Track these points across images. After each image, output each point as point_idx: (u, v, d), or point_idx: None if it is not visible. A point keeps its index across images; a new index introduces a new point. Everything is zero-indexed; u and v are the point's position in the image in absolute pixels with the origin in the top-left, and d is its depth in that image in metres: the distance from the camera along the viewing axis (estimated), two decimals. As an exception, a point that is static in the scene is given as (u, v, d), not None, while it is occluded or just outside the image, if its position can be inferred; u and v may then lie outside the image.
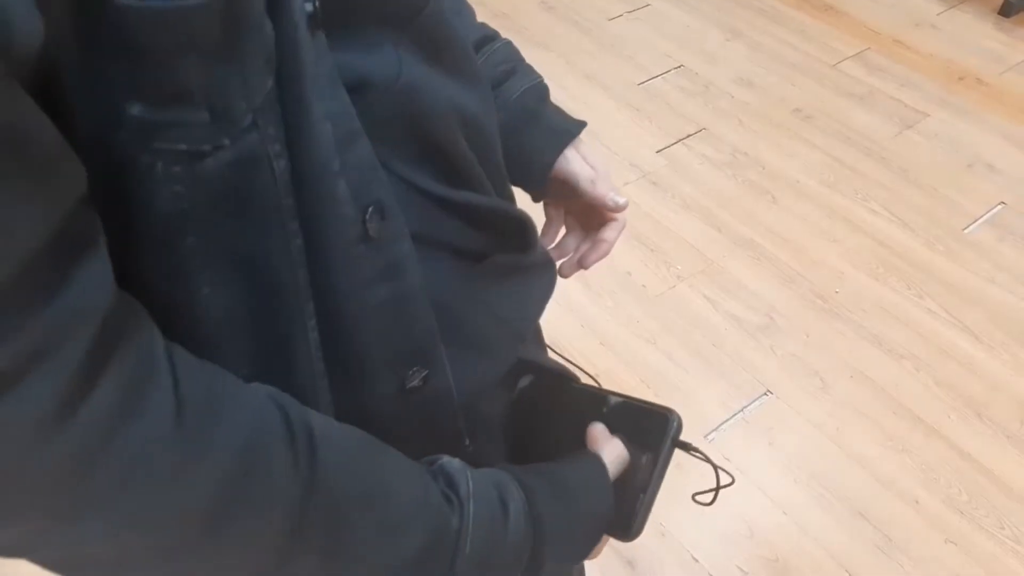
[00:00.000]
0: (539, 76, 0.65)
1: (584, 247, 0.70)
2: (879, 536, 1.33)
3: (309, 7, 0.37)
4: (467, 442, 0.51)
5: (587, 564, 0.66)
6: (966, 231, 1.81)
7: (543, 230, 0.72)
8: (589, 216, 0.69)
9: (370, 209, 0.41)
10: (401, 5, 0.45)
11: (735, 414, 1.49)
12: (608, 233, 0.68)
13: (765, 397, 1.51)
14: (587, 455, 0.53)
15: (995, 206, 1.87)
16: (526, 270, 0.55)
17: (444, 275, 0.47)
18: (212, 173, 0.34)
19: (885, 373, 1.55)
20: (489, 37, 0.64)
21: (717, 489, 0.54)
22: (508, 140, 0.56)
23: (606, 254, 0.68)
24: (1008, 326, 1.63)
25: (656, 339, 1.59)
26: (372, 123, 0.41)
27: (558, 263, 0.66)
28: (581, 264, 0.69)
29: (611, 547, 1.31)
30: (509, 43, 0.64)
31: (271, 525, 0.35)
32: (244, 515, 0.34)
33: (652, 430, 0.53)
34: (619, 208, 0.65)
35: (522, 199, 0.60)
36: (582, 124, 0.65)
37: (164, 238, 0.35)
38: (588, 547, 0.51)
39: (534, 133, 0.64)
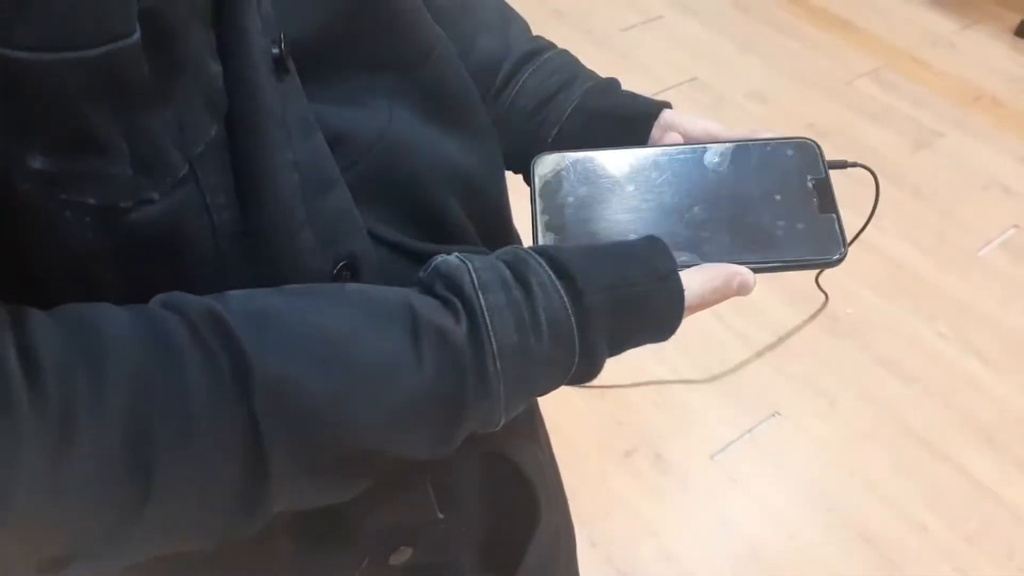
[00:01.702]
0: (599, 77, 0.55)
1: None
2: (886, 562, 1.31)
3: (275, 50, 0.34)
4: (439, 516, 0.47)
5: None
6: (980, 253, 1.79)
7: None
8: None
9: (340, 264, 0.38)
10: (403, 52, 0.42)
11: (743, 434, 1.47)
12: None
13: (773, 418, 1.49)
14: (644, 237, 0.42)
15: (1009, 229, 1.85)
16: None
17: None
18: (135, 225, 0.32)
19: (894, 395, 1.53)
20: (540, 48, 0.56)
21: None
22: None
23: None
24: (1019, 351, 1.61)
25: (664, 355, 1.57)
26: (351, 178, 0.38)
27: None
28: None
29: (612, 565, 1.30)
30: (564, 52, 0.57)
31: (216, 444, 0.31)
32: (175, 447, 0.30)
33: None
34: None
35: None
36: (662, 103, 0.53)
37: (77, 274, 0.32)
38: (668, 318, 0.40)
39: (603, 129, 0.52)
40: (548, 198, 0.45)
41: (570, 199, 0.45)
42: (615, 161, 0.47)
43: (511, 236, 0.53)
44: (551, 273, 0.38)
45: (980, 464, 1.44)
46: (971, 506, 1.38)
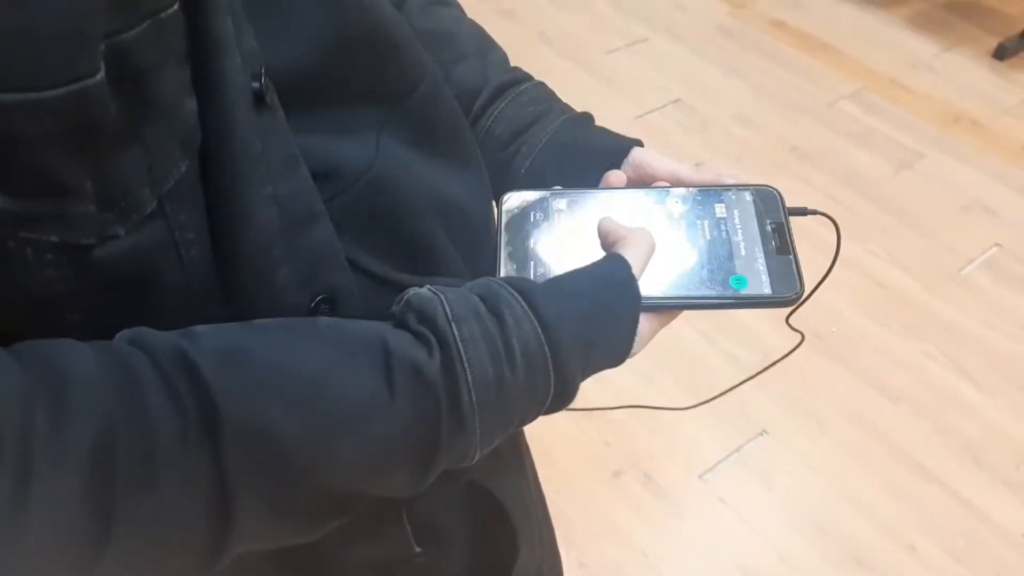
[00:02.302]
0: (574, 111, 0.57)
1: None
2: (875, 582, 1.31)
3: (256, 85, 0.34)
4: (417, 550, 0.47)
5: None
6: (962, 272, 1.81)
7: None
8: None
9: (319, 298, 0.37)
10: (393, 81, 0.42)
11: (731, 454, 1.47)
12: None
13: (761, 437, 1.49)
14: (602, 259, 0.43)
15: (991, 248, 1.87)
16: None
17: None
18: (99, 262, 0.31)
19: (882, 416, 1.53)
20: (517, 80, 0.57)
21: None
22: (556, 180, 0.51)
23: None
24: (1005, 370, 1.62)
25: (652, 376, 1.57)
26: (337, 209, 0.38)
27: None
28: None
29: (603, 589, 1.29)
30: (541, 84, 0.57)
31: (180, 490, 0.30)
32: (137, 492, 0.30)
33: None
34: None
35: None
36: (633, 141, 0.54)
37: (38, 312, 0.31)
38: (624, 343, 0.42)
39: (574, 163, 0.54)
40: (513, 231, 0.47)
41: (533, 233, 0.47)
42: (581, 201, 0.49)
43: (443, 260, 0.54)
44: (524, 304, 0.38)
45: (967, 483, 1.44)
46: (959, 525, 1.38)
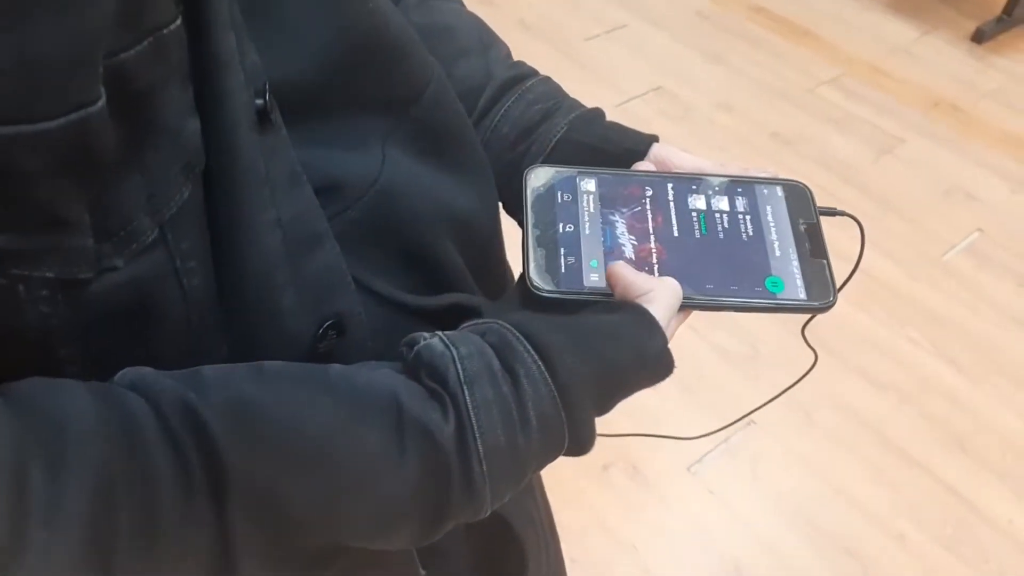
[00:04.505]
0: (584, 107, 0.54)
1: None
2: (863, 570, 1.30)
3: (259, 102, 0.32)
4: (422, 573, 0.45)
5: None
6: (944, 258, 1.81)
7: None
8: None
9: (327, 323, 0.35)
10: (398, 89, 0.39)
11: (718, 445, 1.46)
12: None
13: (748, 428, 1.48)
14: (619, 305, 0.40)
15: (972, 233, 1.87)
16: None
17: None
18: (96, 295, 0.29)
19: (869, 404, 1.53)
20: (522, 76, 0.53)
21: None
22: None
23: None
24: (988, 356, 1.62)
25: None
26: (341, 226, 0.36)
27: None
28: None
29: (591, 585, 1.27)
30: (547, 80, 0.54)
31: (181, 550, 0.29)
32: (136, 551, 0.28)
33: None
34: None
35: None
36: (650, 137, 0.51)
37: (32, 349, 0.29)
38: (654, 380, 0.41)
39: (588, 163, 0.50)
40: (540, 212, 0.44)
41: (561, 216, 0.44)
42: (609, 182, 0.45)
43: (504, 274, 0.51)
44: (540, 364, 0.36)
45: (954, 471, 1.44)
46: (946, 513, 1.38)
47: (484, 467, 0.34)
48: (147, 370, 0.31)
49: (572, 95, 0.55)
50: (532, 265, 0.41)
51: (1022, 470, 1.44)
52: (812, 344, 0.56)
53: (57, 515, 0.26)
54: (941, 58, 2.39)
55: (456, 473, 0.34)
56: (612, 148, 0.50)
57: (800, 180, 0.47)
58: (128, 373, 0.31)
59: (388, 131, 0.39)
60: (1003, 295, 1.73)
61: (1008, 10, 2.41)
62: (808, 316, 0.44)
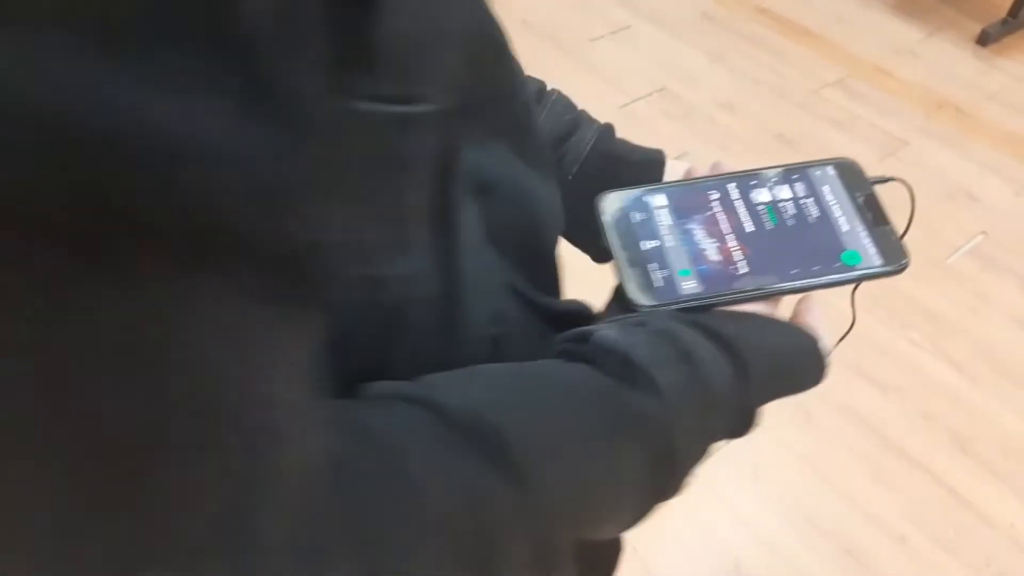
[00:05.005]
0: (597, 121, 0.57)
1: None
2: (865, 572, 1.31)
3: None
4: None
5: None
6: (948, 261, 1.81)
7: None
8: None
9: (497, 328, 0.37)
10: (500, 85, 0.38)
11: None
12: None
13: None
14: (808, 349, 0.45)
15: (976, 236, 1.87)
16: None
17: None
18: (389, 298, 0.31)
19: (870, 405, 1.53)
20: (543, 88, 0.55)
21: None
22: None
23: None
24: (991, 358, 1.62)
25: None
26: (490, 229, 0.36)
27: None
28: None
29: (592, 585, 1.27)
30: (561, 92, 0.56)
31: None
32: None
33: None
34: None
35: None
36: (656, 152, 0.56)
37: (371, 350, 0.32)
38: (812, 376, 0.44)
39: (616, 172, 0.54)
40: (622, 234, 0.45)
41: (641, 233, 0.46)
42: (677, 194, 0.48)
43: (560, 278, 0.52)
44: (716, 348, 0.37)
45: (956, 473, 1.44)
46: (948, 515, 1.38)
47: (680, 451, 0.35)
48: (420, 381, 0.31)
49: (576, 97, 0.57)
50: (631, 285, 0.43)
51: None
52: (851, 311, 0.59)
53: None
54: (946, 60, 2.38)
55: (665, 455, 0.35)
56: (636, 158, 0.54)
57: (846, 157, 0.49)
58: (404, 387, 0.31)
59: (495, 129, 0.38)
60: (1007, 297, 1.73)
61: (1014, 12, 2.41)
62: (872, 281, 0.47)
